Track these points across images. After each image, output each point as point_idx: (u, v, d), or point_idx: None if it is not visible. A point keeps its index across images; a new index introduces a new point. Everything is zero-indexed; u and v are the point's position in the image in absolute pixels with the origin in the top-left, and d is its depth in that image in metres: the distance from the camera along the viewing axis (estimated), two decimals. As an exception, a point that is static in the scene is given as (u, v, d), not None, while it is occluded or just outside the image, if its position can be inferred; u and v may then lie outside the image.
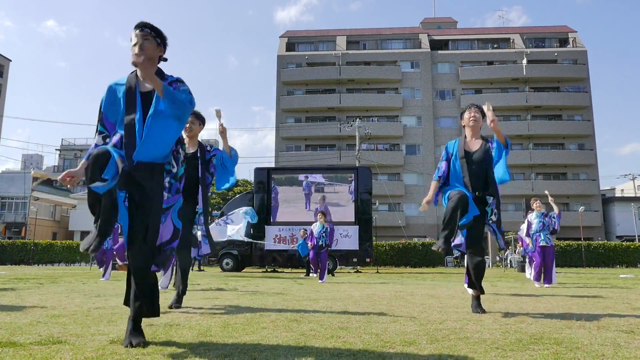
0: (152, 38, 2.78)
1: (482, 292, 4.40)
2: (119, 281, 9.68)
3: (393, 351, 2.51)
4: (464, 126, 4.59)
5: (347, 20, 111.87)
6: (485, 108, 4.27)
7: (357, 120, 33.53)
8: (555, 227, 8.77)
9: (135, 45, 2.74)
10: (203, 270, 18.45)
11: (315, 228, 11.20)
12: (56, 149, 51.09)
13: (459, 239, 4.53)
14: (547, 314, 4.04)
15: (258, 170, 18.42)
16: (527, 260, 9.53)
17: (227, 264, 18.10)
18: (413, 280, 10.41)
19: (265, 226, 17.41)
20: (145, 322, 3.48)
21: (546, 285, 8.17)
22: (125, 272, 3.16)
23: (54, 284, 7.88)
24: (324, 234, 11.05)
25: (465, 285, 4.64)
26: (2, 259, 25.96)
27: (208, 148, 4.95)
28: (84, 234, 39.35)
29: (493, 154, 4.31)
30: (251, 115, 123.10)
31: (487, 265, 22.38)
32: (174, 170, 2.90)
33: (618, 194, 52.49)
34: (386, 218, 37.53)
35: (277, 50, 46.36)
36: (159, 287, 6.35)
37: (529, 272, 9.22)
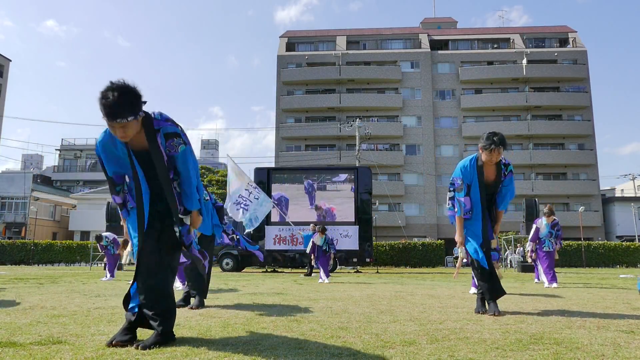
0: (129, 122, 2.58)
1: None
2: (119, 281, 9.68)
3: (393, 351, 2.51)
4: (481, 153, 4.20)
5: (347, 20, 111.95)
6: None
7: (357, 120, 33.52)
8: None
9: (117, 135, 2.65)
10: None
11: (317, 240, 11.44)
12: (56, 149, 51.06)
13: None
14: (547, 314, 4.04)
15: (258, 170, 18.41)
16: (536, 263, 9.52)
17: (227, 264, 18.11)
18: (413, 280, 10.41)
19: (266, 226, 17.41)
20: (145, 322, 3.48)
21: (554, 284, 8.21)
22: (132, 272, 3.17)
23: (54, 284, 7.88)
24: (326, 245, 11.39)
25: (473, 290, 4.62)
26: (2, 259, 25.95)
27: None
28: (84, 234, 39.35)
29: (506, 183, 4.37)
30: (251, 115, 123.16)
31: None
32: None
33: (618, 194, 52.48)
34: (386, 218, 37.52)
35: (277, 50, 46.36)
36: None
37: (542, 277, 9.18)
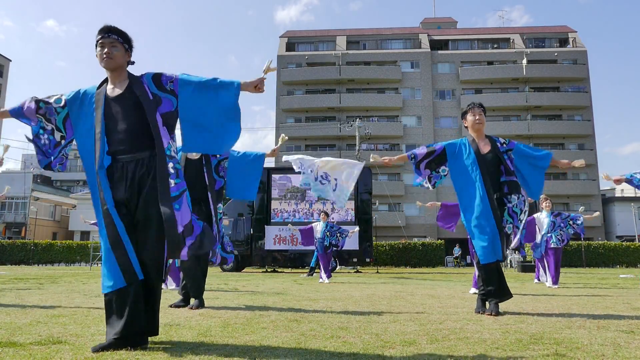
0: (120, 44, 2.71)
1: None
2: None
3: (393, 351, 2.51)
4: (466, 127, 4.43)
5: (347, 20, 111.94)
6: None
7: (357, 120, 33.53)
8: (578, 231, 8.57)
9: (102, 52, 2.69)
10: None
11: (319, 227, 11.02)
12: (56, 149, 51.05)
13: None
14: (547, 314, 4.04)
15: (258, 170, 18.42)
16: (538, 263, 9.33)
17: (227, 264, 18.10)
18: (413, 280, 10.41)
19: (266, 226, 17.42)
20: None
21: (555, 286, 8.09)
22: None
23: (54, 284, 7.88)
24: (328, 233, 10.82)
25: (473, 290, 4.55)
26: (2, 259, 25.95)
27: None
28: (84, 234, 39.38)
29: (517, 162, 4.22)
30: (251, 115, 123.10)
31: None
32: (175, 154, 2.78)
33: (618, 194, 52.44)
34: (386, 218, 37.52)
35: (277, 50, 46.37)
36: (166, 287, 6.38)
37: (544, 277, 9.00)
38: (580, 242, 25.54)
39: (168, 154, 2.68)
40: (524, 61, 43.17)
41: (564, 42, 46.58)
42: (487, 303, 4.16)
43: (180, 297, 4.88)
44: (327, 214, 11.20)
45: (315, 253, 11.80)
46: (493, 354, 2.43)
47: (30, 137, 2.82)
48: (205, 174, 4.63)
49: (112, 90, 2.75)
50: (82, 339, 2.76)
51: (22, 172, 44.24)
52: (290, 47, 47.22)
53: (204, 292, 4.83)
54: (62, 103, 2.81)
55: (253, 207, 17.87)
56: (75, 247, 27.22)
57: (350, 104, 43.13)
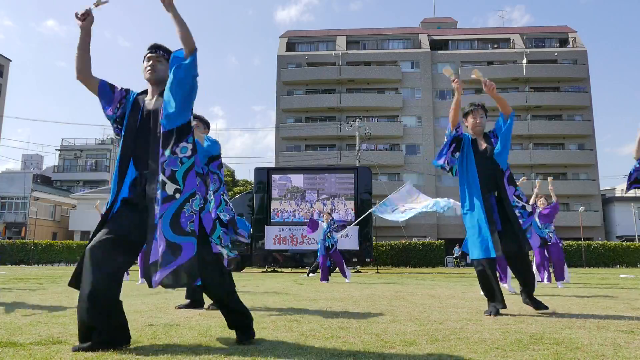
0: (164, 61, 2.87)
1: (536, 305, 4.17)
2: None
3: (393, 351, 2.51)
4: (466, 126, 4.48)
5: (347, 20, 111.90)
6: (475, 77, 4.37)
7: (357, 120, 33.53)
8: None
9: (147, 64, 2.85)
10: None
11: (321, 229, 10.97)
12: (56, 149, 51.02)
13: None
14: (547, 314, 4.04)
15: (258, 170, 18.41)
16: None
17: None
18: (413, 280, 10.40)
19: (266, 226, 17.41)
20: (145, 322, 3.49)
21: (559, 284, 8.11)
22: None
23: (54, 284, 7.88)
24: (328, 234, 10.77)
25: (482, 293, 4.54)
26: (2, 259, 25.94)
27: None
28: (84, 234, 39.35)
29: (499, 139, 4.31)
30: (252, 115, 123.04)
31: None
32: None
33: (618, 194, 52.47)
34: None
35: (277, 50, 46.36)
36: None
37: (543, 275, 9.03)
38: (580, 242, 25.54)
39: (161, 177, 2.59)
40: (524, 61, 43.16)
41: (564, 42, 46.58)
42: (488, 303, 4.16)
43: (181, 297, 4.87)
44: (329, 214, 11.17)
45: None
46: (493, 354, 2.43)
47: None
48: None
49: (149, 102, 2.83)
50: (82, 339, 2.75)
51: (22, 172, 44.24)
52: (290, 47, 47.21)
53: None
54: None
55: (253, 207, 17.87)
56: (75, 247, 27.21)
57: (350, 104, 43.12)
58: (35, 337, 2.80)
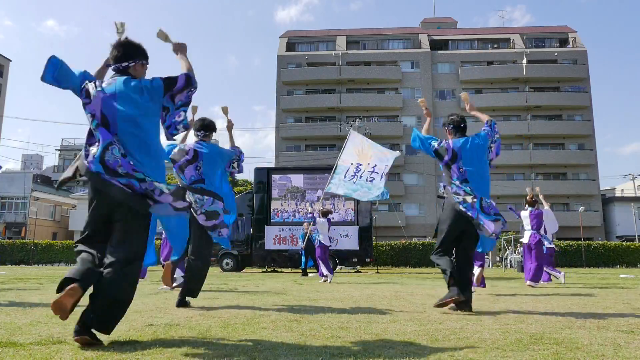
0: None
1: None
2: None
3: (393, 351, 2.51)
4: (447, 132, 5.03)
5: (347, 20, 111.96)
6: (463, 98, 5.07)
7: (357, 120, 33.55)
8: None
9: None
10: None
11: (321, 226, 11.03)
12: (56, 149, 51.13)
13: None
14: (547, 314, 4.04)
15: (258, 170, 18.41)
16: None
17: (227, 264, 18.07)
18: (413, 280, 10.40)
19: (266, 226, 17.40)
20: (145, 322, 3.49)
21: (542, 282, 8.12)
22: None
23: (54, 284, 7.87)
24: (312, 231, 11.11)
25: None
26: (2, 259, 25.94)
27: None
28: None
29: (491, 146, 4.73)
30: (252, 115, 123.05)
31: (486, 265, 22.25)
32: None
33: (618, 194, 52.50)
34: (386, 218, 37.52)
35: (277, 50, 46.37)
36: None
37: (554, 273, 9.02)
38: (580, 242, 25.55)
39: None
40: (524, 61, 43.16)
41: (564, 42, 46.58)
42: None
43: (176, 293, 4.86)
44: (329, 212, 11.27)
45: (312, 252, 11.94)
46: (493, 354, 2.43)
47: None
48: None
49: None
50: (82, 339, 2.75)
51: (22, 172, 44.26)
52: (290, 47, 47.21)
53: (200, 292, 4.84)
54: None
55: (253, 207, 17.86)
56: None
57: (350, 104, 43.13)
58: (35, 337, 2.80)
